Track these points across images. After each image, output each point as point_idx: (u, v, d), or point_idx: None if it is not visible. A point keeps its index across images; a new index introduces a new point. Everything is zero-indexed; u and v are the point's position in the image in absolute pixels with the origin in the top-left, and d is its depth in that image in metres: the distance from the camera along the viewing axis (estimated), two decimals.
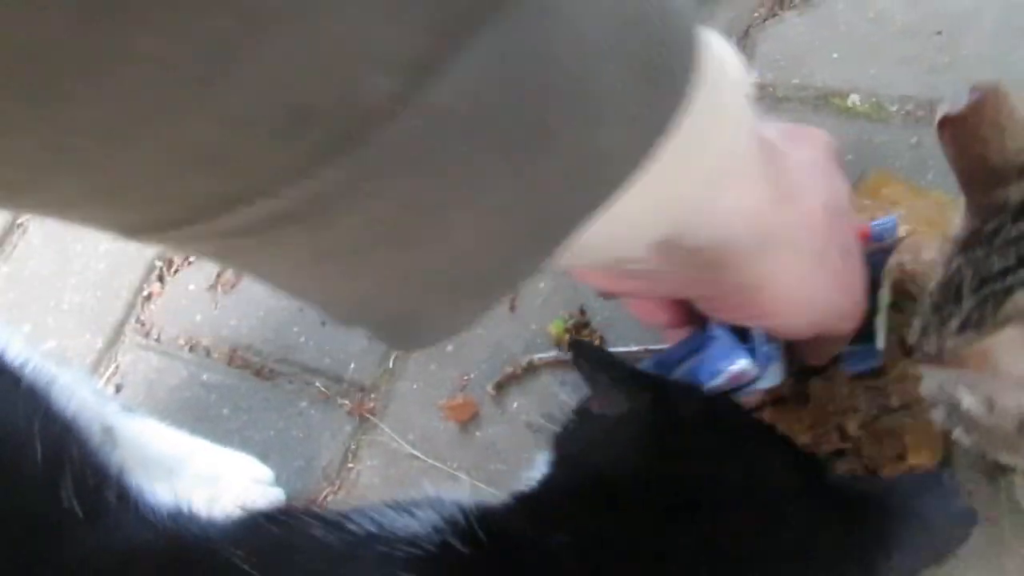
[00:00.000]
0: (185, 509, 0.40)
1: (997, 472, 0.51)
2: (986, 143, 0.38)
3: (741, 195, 0.33)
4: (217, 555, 0.36)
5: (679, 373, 0.47)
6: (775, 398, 0.60)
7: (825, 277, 0.38)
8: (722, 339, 0.44)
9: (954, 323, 0.36)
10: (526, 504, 0.42)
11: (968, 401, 0.36)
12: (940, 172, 0.63)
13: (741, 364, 0.43)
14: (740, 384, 0.45)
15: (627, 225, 0.30)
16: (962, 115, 0.39)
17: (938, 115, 0.40)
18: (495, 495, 0.48)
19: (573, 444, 0.45)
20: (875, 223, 0.50)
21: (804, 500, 0.41)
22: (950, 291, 0.37)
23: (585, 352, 0.49)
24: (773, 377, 0.47)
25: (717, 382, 0.44)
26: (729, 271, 0.35)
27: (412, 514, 0.37)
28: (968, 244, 0.38)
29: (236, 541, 0.37)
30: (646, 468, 0.40)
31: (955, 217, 0.46)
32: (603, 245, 0.31)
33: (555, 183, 0.25)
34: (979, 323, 0.35)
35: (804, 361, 0.52)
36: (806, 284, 0.37)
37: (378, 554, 0.35)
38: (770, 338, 0.45)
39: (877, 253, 0.48)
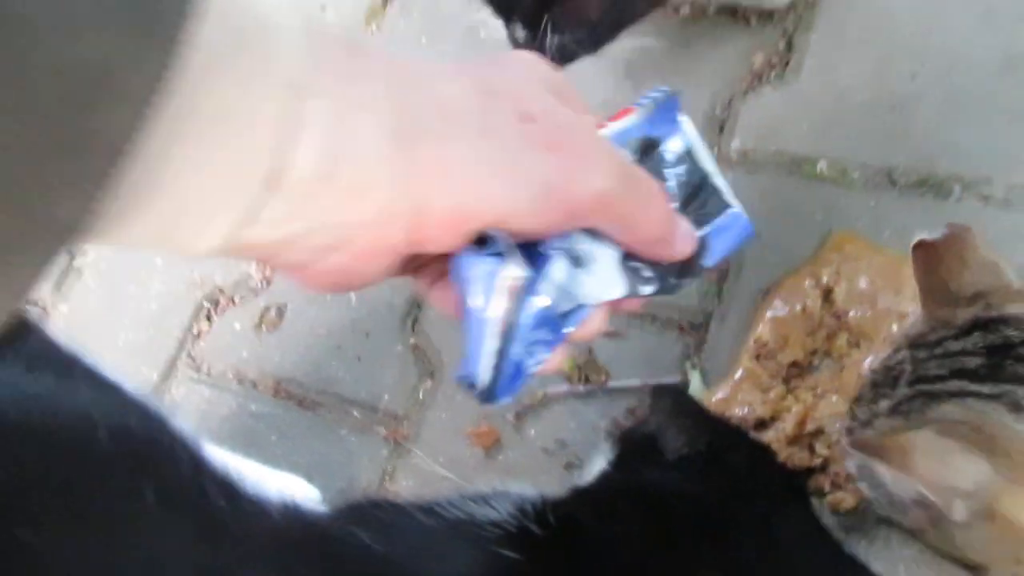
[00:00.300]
0: (290, 502, 0.48)
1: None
2: (949, 270, 0.48)
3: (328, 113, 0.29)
4: (341, 533, 0.44)
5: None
6: (758, 421, 0.71)
7: (498, 152, 0.33)
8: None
9: (885, 404, 0.45)
10: (586, 496, 0.51)
11: (880, 468, 0.45)
12: (895, 232, 0.75)
13: (506, 273, 0.36)
14: (524, 297, 0.36)
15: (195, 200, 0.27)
16: (934, 243, 0.49)
17: (915, 238, 0.50)
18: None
19: (633, 455, 0.55)
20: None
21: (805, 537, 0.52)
22: (889, 375, 0.47)
23: (667, 394, 0.58)
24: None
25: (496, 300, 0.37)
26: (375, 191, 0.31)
27: (489, 504, 0.46)
28: (915, 342, 0.47)
29: (354, 521, 0.45)
30: (692, 494, 0.50)
31: (907, 272, 0.56)
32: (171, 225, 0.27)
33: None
34: (906, 413, 0.44)
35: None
36: (473, 169, 0.32)
37: (472, 534, 0.44)
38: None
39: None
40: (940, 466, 0.41)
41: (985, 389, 0.43)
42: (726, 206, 0.42)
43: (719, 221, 0.42)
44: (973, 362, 0.45)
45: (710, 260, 0.41)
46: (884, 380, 0.46)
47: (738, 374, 0.72)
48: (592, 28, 0.76)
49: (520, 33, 0.74)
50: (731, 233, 0.42)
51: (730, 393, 0.71)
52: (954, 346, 0.46)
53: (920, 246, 0.51)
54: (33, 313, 0.99)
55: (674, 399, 0.60)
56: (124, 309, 0.98)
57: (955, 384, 0.45)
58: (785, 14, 0.88)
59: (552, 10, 0.72)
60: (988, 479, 0.41)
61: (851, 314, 0.70)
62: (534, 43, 0.74)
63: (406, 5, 1.05)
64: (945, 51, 0.81)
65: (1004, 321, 0.45)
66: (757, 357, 0.72)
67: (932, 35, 0.82)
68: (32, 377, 0.49)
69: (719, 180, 0.42)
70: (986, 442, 0.41)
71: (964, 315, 0.47)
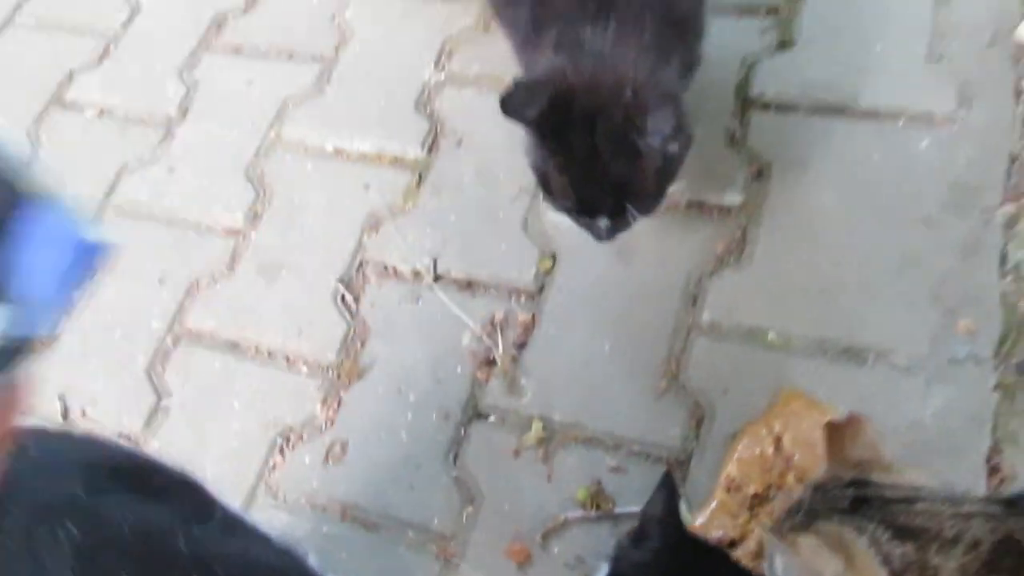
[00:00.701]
0: None
1: None
2: (843, 443, 0.72)
3: None
4: None
5: None
6: (730, 541, 0.94)
7: None
8: None
9: (799, 517, 0.68)
10: None
11: (778, 560, 0.68)
12: (828, 391, 0.99)
13: None
14: None
15: None
16: (839, 423, 0.73)
17: (826, 419, 0.74)
18: None
19: (625, 565, 0.76)
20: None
21: None
22: (803, 502, 0.70)
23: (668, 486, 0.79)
24: None
25: None
26: None
27: None
28: (818, 486, 0.71)
29: None
30: None
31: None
32: None
33: None
34: (803, 526, 0.67)
35: None
36: None
37: None
38: None
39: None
40: (814, 557, 0.64)
41: (847, 519, 0.67)
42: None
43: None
44: (844, 503, 0.68)
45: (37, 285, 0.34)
46: (795, 506, 0.70)
47: (713, 504, 0.95)
48: (652, 200, 0.98)
49: (604, 224, 0.97)
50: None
51: (708, 519, 0.94)
52: (837, 492, 0.70)
53: (829, 424, 0.75)
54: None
55: (664, 500, 0.81)
56: (208, 445, 1.17)
57: (831, 513, 0.69)
58: (739, 210, 1.15)
59: (630, 199, 0.95)
60: (840, 571, 0.64)
61: (796, 457, 0.94)
62: (617, 232, 0.98)
63: (436, 187, 1.30)
64: (858, 248, 1.07)
65: (868, 483, 0.69)
66: (728, 490, 0.95)
67: (849, 235, 1.09)
68: (225, 538, 0.69)
69: None
70: (842, 549, 0.64)
71: (848, 474, 0.71)
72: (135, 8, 1.68)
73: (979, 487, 0.91)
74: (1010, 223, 1.04)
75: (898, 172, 1.11)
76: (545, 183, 0.98)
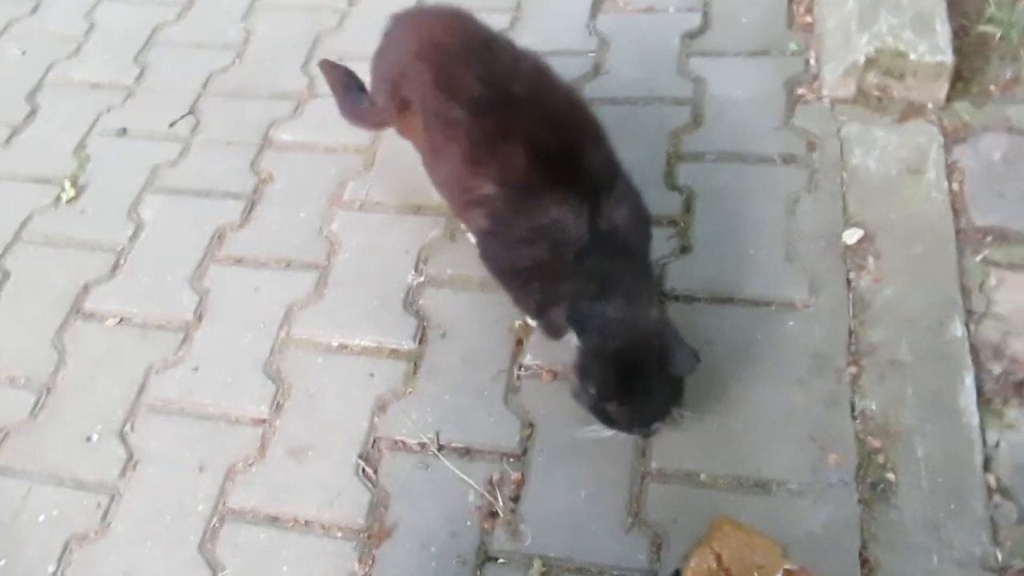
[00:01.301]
0: None
1: None
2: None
3: None
4: None
5: None
6: None
7: None
8: None
9: None
10: None
11: None
12: (748, 517, 1.36)
13: None
14: None
15: None
16: (794, 572, 1.10)
17: (751, 538, 1.11)
18: None
19: None
20: None
21: None
22: None
23: None
24: None
25: None
26: None
27: None
28: None
29: None
30: None
31: (758, 543, 1.18)
32: None
33: None
34: None
35: None
36: None
37: None
38: None
39: None
40: None
41: None
42: None
43: None
44: None
45: None
46: None
47: None
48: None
49: (656, 427, 1.36)
50: None
51: None
52: None
53: (786, 571, 1.12)
54: None
55: None
56: None
57: None
58: None
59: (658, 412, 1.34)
60: None
61: (732, 570, 1.30)
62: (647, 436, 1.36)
63: (430, 372, 1.63)
64: (755, 405, 1.48)
65: None
66: None
67: (747, 396, 1.49)
68: None
69: None
70: None
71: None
72: (139, 224, 1.97)
73: None
74: (854, 380, 1.48)
75: (775, 346, 1.54)
76: (606, 419, 1.35)
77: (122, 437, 1.63)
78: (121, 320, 1.81)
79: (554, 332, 1.44)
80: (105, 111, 2.24)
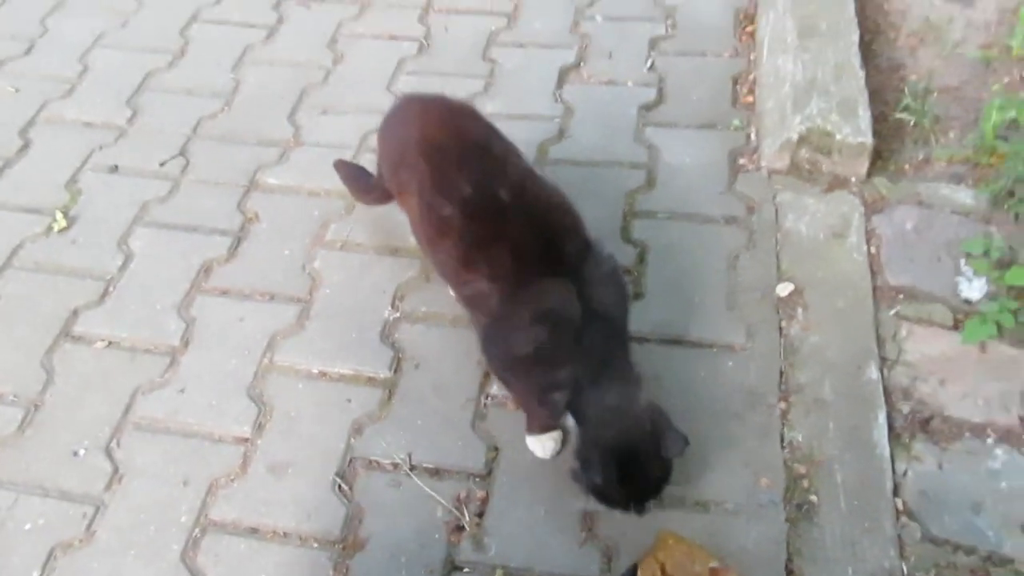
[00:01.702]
0: None
1: None
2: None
3: None
4: None
5: None
6: None
7: None
8: None
9: None
10: None
11: None
12: (689, 531, 1.52)
13: None
14: None
15: None
16: (719, 570, 1.27)
17: (692, 551, 1.27)
18: None
19: None
20: None
21: None
22: None
23: None
24: None
25: None
26: None
27: None
28: None
29: None
30: None
31: (697, 555, 1.34)
32: None
33: None
34: None
35: None
36: None
37: None
38: None
39: None
40: None
41: None
42: None
43: None
44: None
45: None
46: None
47: None
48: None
49: (650, 504, 1.47)
50: None
51: None
52: None
53: (712, 570, 1.28)
54: None
55: None
56: None
57: None
58: None
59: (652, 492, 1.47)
60: None
61: None
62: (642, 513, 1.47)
63: (403, 399, 1.77)
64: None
65: None
66: None
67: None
68: None
69: None
70: None
71: None
72: (128, 255, 2.09)
73: None
74: (784, 415, 1.67)
75: (715, 383, 1.73)
76: (606, 500, 1.46)
77: (108, 452, 1.72)
78: (109, 343, 1.91)
79: (557, 416, 1.56)
80: (97, 148, 2.37)
